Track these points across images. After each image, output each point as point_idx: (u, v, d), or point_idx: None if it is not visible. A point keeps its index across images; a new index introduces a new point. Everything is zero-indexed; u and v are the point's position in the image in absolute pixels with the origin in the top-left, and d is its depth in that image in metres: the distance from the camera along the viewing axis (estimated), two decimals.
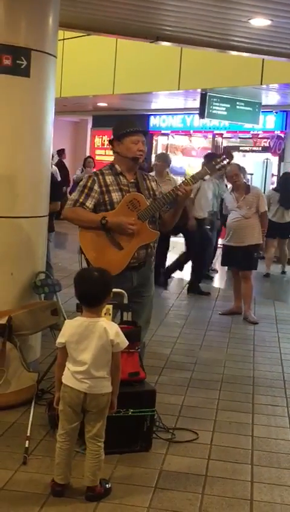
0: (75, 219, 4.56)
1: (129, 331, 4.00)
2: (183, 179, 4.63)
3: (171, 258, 10.08)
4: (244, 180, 8.33)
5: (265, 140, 14.77)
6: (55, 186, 6.13)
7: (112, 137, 4.66)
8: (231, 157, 4.82)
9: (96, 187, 4.50)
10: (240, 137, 15.55)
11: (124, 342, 3.50)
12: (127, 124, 4.60)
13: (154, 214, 4.54)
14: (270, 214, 10.51)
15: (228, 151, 4.80)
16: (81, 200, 4.49)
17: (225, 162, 4.70)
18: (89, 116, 19.27)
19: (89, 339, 3.44)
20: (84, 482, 3.52)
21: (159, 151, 17.28)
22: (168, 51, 11.00)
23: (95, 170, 4.69)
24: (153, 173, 7.59)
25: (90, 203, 4.48)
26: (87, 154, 19.56)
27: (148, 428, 4.12)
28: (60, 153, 17.94)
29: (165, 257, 9.93)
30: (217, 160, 4.70)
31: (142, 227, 4.48)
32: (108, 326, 3.47)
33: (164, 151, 15.73)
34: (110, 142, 4.67)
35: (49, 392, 4.66)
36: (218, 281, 11.00)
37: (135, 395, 4.09)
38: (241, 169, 8.30)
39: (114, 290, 3.80)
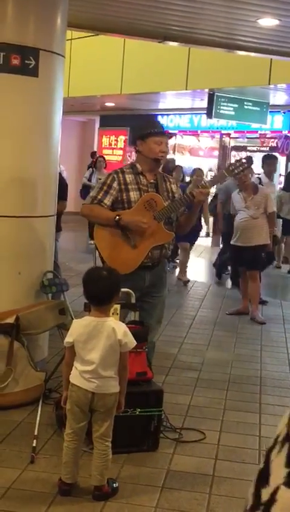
0: (91, 216, 4.60)
1: (137, 331, 4.00)
2: (202, 182, 4.64)
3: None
4: (253, 181, 8.33)
5: (273, 140, 14.74)
6: (62, 185, 6.14)
7: (137, 136, 4.66)
8: (250, 163, 4.81)
9: (115, 185, 4.50)
10: (247, 137, 15.53)
11: (132, 342, 3.50)
12: (152, 124, 4.63)
13: (170, 215, 4.55)
14: (283, 213, 10.47)
15: (249, 157, 4.82)
16: (99, 197, 4.50)
17: (243, 166, 4.70)
18: (97, 116, 19.27)
19: (97, 339, 3.44)
20: (91, 481, 3.53)
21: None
22: (176, 50, 11.00)
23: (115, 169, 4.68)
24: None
25: (108, 201, 4.49)
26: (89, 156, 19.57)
27: (156, 428, 4.12)
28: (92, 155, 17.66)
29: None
30: (236, 165, 4.70)
31: (158, 227, 4.49)
32: (116, 326, 3.47)
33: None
34: (133, 141, 4.67)
35: (57, 391, 4.67)
36: (225, 281, 10.99)
37: (142, 394, 4.09)
38: (248, 169, 8.29)
39: (122, 289, 3.81)
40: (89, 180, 14.12)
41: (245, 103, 12.85)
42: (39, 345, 5.25)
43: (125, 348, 3.48)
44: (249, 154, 15.56)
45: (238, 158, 4.79)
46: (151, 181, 4.58)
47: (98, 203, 4.50)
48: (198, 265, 12.42)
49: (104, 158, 15.03)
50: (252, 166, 10.79)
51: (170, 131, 16.75)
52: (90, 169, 14.90)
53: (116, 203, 4.51)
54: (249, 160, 4.84)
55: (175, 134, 16.98)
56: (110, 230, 4.49)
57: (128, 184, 4.52)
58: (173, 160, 13.61)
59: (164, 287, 4.78)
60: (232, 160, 15.03)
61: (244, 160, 4.77)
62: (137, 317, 4.39)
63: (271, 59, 9.97)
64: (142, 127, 4.63)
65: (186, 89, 12.29)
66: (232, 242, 8.31)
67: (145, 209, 4.47)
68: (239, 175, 5.11)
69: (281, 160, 14.48)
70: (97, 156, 15.56)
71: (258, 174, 13.56)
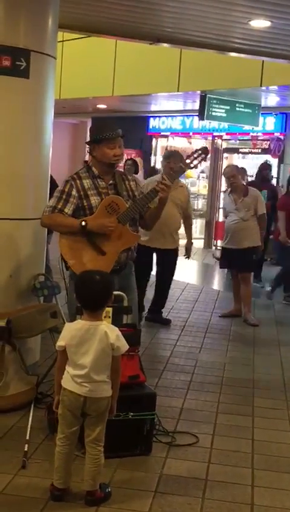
0: (53, 225, 4.54)
1: (129, 334, 3.97)
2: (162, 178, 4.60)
3: None
4: (243, 182, 8.32)
5: (265, 142, 14.75)
6: (54, 187, 6.10)
7: (88, 141, 4.55)
8: (206, 152, 4.79)
9: (74, 192, 4.42)
10: (239, 139, 15.53)
11: (124, 346, 3.47)
12: (104, 128, 4.46)
13: (134, 217, 4.50)
14: None
15: (204, 147, 4.82)
16: (59, 207, 4.40)
17: (199, 158, 4.67)
18: (89, 118, 19.24)
19: (90, 343, 3.41)
20: (83, 486, 3.50)
21: (158, 153, 17.28)
22: (168, 52, 10.99)
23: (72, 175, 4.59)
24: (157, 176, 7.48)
25: (68, 209, 4.40)
26: (87, 155, 19.52)
27: (148, 431, 4.10)
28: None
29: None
30: (192, 157, 4.67)
31: (123, 230, 4.43)
32: (109, 330, 3.44)
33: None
34: (87, 143, 4.59)
35: (49, 395, 4.64)
36: (217, 283, 10.98)
37: (135, 398, 4.06)
38: (239, 171, 8.29)
39: (115, 292, 3.78)
40: None
41: (237, 105, 12.86)
42: (31, 349, 5.22)
43: (118, 352, 3.45)
44: (241, 155, 15.62)
45: (194, 150, 4.76)
46: (110, 182, 4.51)
47: (59, 213, 4.40)
48: (190, 268, 12.40)
49: (134, 161, 12.66)
50: (246, 168, 10.82)
51: (162, 132, 16.77)
52: None
53: (77, 211, 4.42)
54: (205, 151, 4.78)
55: (167, 136, 16.98)
56: (74, 239, 4.40)
57: (87, 190, 4.43)
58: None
59: (133, 289, 4.71)
60: (225, 163, 15.06)
61: (199, 152, 4.69)
62: (129, 320, 4.36)
63: (263, 61, 9.98)
64: (95, 131, 4.51)
65: (178, 91, 12.29)
66: (223, 244, 8.31)
67: (107, 213, 4.40)
68: (196, 167, 5.12)
69: (273, 162, 14.50)
70: (126, 159, 13.19)
71: (251, 176, 13.60)
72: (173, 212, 7.07)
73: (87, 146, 4.60)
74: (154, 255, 7.52)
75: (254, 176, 12.14)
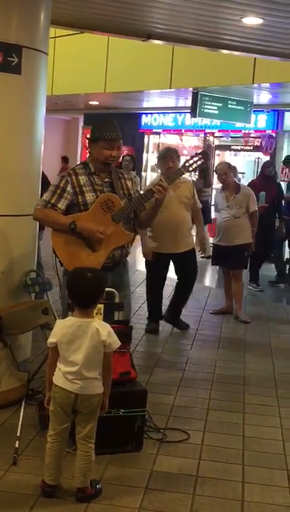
0: (45, 221, 4.56)
1: (120, 331, 3.97)
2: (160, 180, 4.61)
3: None
4: (235, 179, 8.32)
5: (257, 139, 14.76)
6: (45, 183, 6.09)
7: (89, 137, 4.58)
8: (206, 157, 4.82)
9: (69, 188, 4.43)
10: (231, 137, 15.54)
11: (116, 343, 3.47)
12: (105, 128, 4.46)
13: (129, 216, 4.50)
14: None
15: (204, 152, 4.87)
16: (52, 202, 4.41)
17: (199, 162, 4.69)
18: (81, 115, 19.23)
19: (81, 340, 3.41)
20: (74, 482, 3.50)
21: (150, 150, 17.27)
22: (160, 49, 10.97)
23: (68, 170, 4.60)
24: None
25: (62, 205, 4.41)
26: (79, 152, 19.49)
27: (139, 428, 4.10)
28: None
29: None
30: (191, 161, 4.70)
31: (117, 228, 4.43)
32: (100, 327, 3.44)
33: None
34: (87, 138, 4.61)
35: (40, 392, 4.63)
36: (209, 280, 10.99)
37: (126, 395, 4.07)
38: (231, 168, 8.30)
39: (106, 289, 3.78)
40: None
41: (229, 102, 12.87)
42: (22, 345, 5.20)
43: (110, 349, 3.46)
44: (233, 153, 15.63)
45: (194, 153, 4.78)
46: (106, 180, 4.52)
47: (52, 208, 4.41)
48: None
49: (132, 157, 12.38)
50: (237, 165, 10.79)
51: (155, 129, 16.76)
52: None
53: (72, 206, 4.43)
54: (204, 155, 4.82)
55: (159, 133, 16.97)
56: (66, 235, 4.41)
57: (82, 186, 4.44)
58: None
59: (127, 286, 4.73)
60: (217, 160, 15.07)
61: (199, 156, 4.73)
62: (121, 317, 4.36)
63: (255, 58, 9.98)
64: (97, 129, 4.51)
65: (170, 88, 12.29)
66: (214, 241, 8.31)
67: (102, 211, 4.40)
68: (195, 171, 5.16)
69: (265, 159, 14.51)
70: (123, 154, 12.69)
71: (243, 173, 13.62)
72: (181, 212, 6.84)
73: (87, 141, 4.60)
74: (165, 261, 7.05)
75: (257, 175, 12.15)
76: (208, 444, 4.34)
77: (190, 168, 4.73)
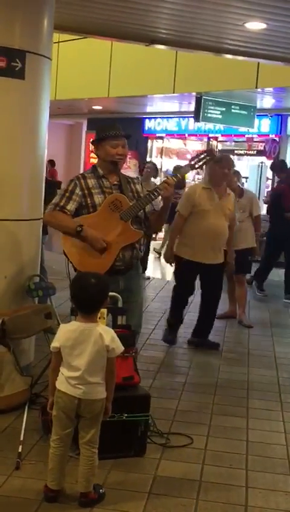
0: (53, 223, 4.58)
1: (124, 335, 3.97)
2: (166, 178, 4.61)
3: None
4: (238, 184, 8.32)
5: (260, 144, 14.78)
6: (49, 188, 6.10)
7: (93, 140, 4.64)
8: (212, 155, 4.83)
9: (77, 190, 4.47)
10: (235, 141, 15.56)
11: (119, 348, 3.47)
12: (107, 128, 4.55)
13: (137, 214, 4.51)
14: None
15: (211, 149, 4.83)
16: (61, 204, 4.46)
17: (204, 159, 4.70)
18: (84, 119, 19.27)
19: (84, 344, 3.40)
20: (77, 487, 3.49)
21: (154, 155, 17.28)
22: (164, 54, 11.00)
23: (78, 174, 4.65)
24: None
25: (71, 206, 4.45)
26: (82, 157, 19.52)
27: (143, 433, 4.09)
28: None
29: None
30: (197, 159, 4.71)
31: (125, 227, 4.46)
32: (104, 332, 3.44)
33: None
34: (92, 143, 4.65)
35: (43, 397, 4.63)
36: None
37: (129, 399, 4.06)
38: (234, 173, 8.29)
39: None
40: None
41: (232, 107, 12.89)
42: (25, 350, 5.21)
43: (113, 354, 3.45)
44: (236, 157, 15.63)
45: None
46: (115, 183, 4.55)
47: (61, 210, 4.46)
48: None
49: (155, 165, 11.02)
50: (240, 170, 10.74)
51: (158, 134, 16.77)
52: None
53: (81, 208, 4.48)
54: (211, 153, 4.84)
55: (162, 138, 16.99)
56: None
57: (90, 188, 4.48)
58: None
59: (139, 291, 4.75)
60: None
61: (205, 154, 4.74)
62: (124, 321, 4.35)
63: (258, 63, 10.00)
64: (98, 131, 4.59)
65: (173, 93, 12.32)
66: None
67: (110, 210, 4.44)
68: (201, 168, 5.11)
69: (269, 164, 14.53)
70: (145, 161, 12.06)
71: (246, 177, 13.61)
72: (223, 224, 6.49)
73: (92, 147, 4.65)
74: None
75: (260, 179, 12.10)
76: (211, 449, 4.33)
77: (196, 166, 4.73)
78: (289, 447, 4.45)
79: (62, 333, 3.46)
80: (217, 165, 6.41)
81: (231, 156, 13.99)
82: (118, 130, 4.54)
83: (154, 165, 10.97)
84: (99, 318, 3.78)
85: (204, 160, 4.72)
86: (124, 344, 3.55)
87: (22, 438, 4.10)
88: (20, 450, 3.96)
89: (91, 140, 4.65)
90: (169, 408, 4.95)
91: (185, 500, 3.62)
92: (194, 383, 5.63)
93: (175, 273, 6.91)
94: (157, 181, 11.06)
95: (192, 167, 4.76)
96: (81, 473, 3.47)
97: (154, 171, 10.59)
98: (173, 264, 6.72)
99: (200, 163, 4.73)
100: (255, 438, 4.55)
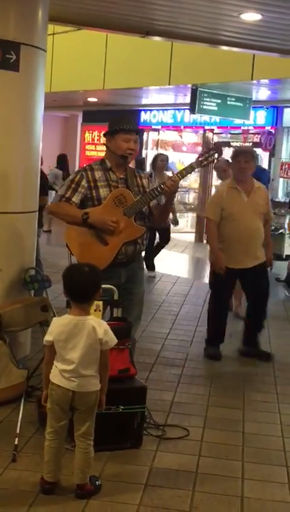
0: (59, 213, 4.57)
1: (119, 328, 3.98)
2: (171, 175, 4.59)
3: None
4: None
5: (256, 136, 14.75)
6: (43, 180, 6.10)
7: (105, 132, 4.62)
8: (220, 152, 4.75)
9: (84, 182, 4.47)
10: (230, 133, 15.53)
11: (112, 340, 3.47)
12: (121, 121, 4.54)
13: (141, 210, 4.51)
14: None
15: (218, 146, 4.64)
16: (67, 195, 4.47)
17: (213, 157, 4.65)
18: (79, 111, 19.20)
19: (77, 338, 3.40)
20: (74, 479, 3.50)
21: (149, 147, 17.24)
22: (159, 46, 10.97)
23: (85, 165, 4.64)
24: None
25: (76, 198, 4.46)
26: (78, 149, 19.47)
27: (139, 425, 4.10)
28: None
29: None
30: (205, 156, 4.67)
31: (128, 223, 4.45)
32: (96, 325, 3.43)
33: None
34: (104, 135, 4.63)
35: (39, 389, 4.63)
36: (208, 277, 10.97)
37: (125, 391, 4.06)
38: (229, 165, 8.25)
39: (104, 286, 3.77)
40: None
41: (228, 98, 12.85)
42: (21, 342, 5.21)
43: (106, 347, 3.45)
44: (232, 149, 15.59)
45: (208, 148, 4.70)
46: (121, 177, 4.54)
47: (67, 201, 4.46)
48: (182, 261, 12.42)
49: (168, 158, 10.67)
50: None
51: (153, 126, 16.74)
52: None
53: (86, 201, 4.48)
54: (219, 149, 4.73)
55: (158, 130, 16.95)
56: (80, 229, 4.46)
57: (97, 181, 4.48)
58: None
59: (141, 283, 4.75)
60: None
61: (213, 151, 4.68)
62: (120, 314, 4.36)
63: (254, 54, 9.96)
64: (113, 122, 4.57)
65: (169, 84, 12.27)
66: None
67: (114, 205, 4.44)
68: (208, 166, 5.03)
69: (264, 156, 14.52)
70: (159, 153, 11.68)
71: None
72: (256, 223, 6.03)
73: (104, 138, 4.63)
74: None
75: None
76: (207, 441, 4.34)
77: (203, 163, 4.68)
78: (285, 438, 4.46)
79: (55, 327, 3.46)
80: (235, 160, 6.13)
81: (227, 148, 14.04)
82: (132, 124, 4.55)
83: (167, 157, 10.77)
84: (96, 311, 3.79)
85: (212, 158, 4.64)
86: (119, 336, 3.55)
87: (18, 431, 4.10)
88: (16, 442, 3.96)
89: (103, 132, 4.62)
90: (165, 400, 4.96)
91: (181, 492, 3.63)
92: (190, 375, 5.64)
93: (211, 283, 6.44)
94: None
95: (199, 165, 4.68)
96: (77, 465, 3.47)
97: (167, 164, 10.42)
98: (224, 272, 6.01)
99: (207, 161, 4.64)
100: (252, 430, 4.56)
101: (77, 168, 13.87)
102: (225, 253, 5.96)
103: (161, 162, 10.24)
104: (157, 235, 10.09)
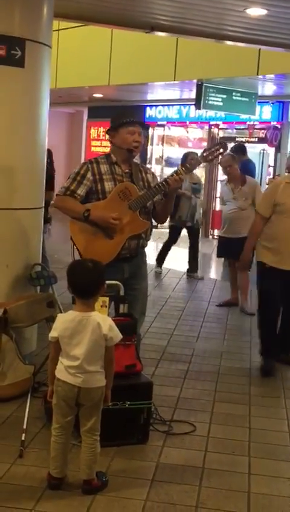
0: (63, 208, 4.56)
1: (125, 324, 3.98)
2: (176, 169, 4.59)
3: None
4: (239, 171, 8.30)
5: (262, 131, 14.72)
6: (49, 175, 6.09)
7: (109, 127, 4.62)
8: (225, 147, 4.76)
9: (89, 175, 4.47)
10: (236, 128, 15.50)
11: (117, 336, 3.47)
12: (124, 115, 4.57)
13: (146, 204, 4.51)
14: None
15: (223, 142, 4.61)
16: (72, 188, 4.47)
17: (217, 152, 4.66)
18: (85, 107, 19.19)
19: (82, 334, 3.40)
20: (80, 475, 3.51)
21: (155, 142, 17.23)
22: (164, 41, 10.94)
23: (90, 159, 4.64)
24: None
25: (81, 191, 4.46)
26: (83, 145, 19.48)
27: (145, 420, 4.10)
28: None
29: None
30: (210, 150, 4.67)
31: (133, 216, 4.46)
32: (101, 321, 3.43)
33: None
34: (108, 132, 4.63)
35: (45, 385, 4.63)
36: (214, 272, 10.98)
37: (131, 387, 4.06)
38: (235, 160, 8.26)
39: (110, 282, 3.77)
40: None
41: (234, 94, 12.82)
42: (27, 338, 5.22)
43: (111, 343, 3.45)
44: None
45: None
46: (126, 171, 4.55)
47: (71, 195, 4.46)
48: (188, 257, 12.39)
49: (197, 156, 10.38)
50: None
51: (159, 122, 16.72)
52: None
53: (91, 194, 4.48)
54: (224, 146, 4.75)
55: (164, 126, 16.93)
56: (84, 224, 4.45)
57: (102, 174, 4.48)
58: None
59: (144, 278, 4.75)
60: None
61: (217, 147, 4.68)
62: (126, 310, 4.36)
63: (259, 49, 9.93)
64: (115, 118, 4.58)
65: (174, 80, 12.25)
66: (220, 233, 8.29)
67: (119, 199, 4.44)
68: (212, 161, 5.01)
69: (270, 151, 14.49)
70: (187, 151, 11.03)
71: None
72: None
73: (108, 136, 4.64)
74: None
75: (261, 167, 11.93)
76: (214, 436, 4.34)
77: (208, 158, 4.69)
78: None
79: (60, 323, 3.46)
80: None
81: (232, 144, 13.98)
82: (133, 116, 4.56)
83: (197, 155, 10.59)
84: (102, 307, 3.79)
85: (217, 153, 4.65)
86: (125, 332, 3.55)
87: (25, 426, 4.11)
88: (23, 438, 3.97)
89: (107, 129, 4.63)
90: (171, 395, 4.96)
91: (188, 487, 3.63)
92: (197, 370, 5.64)
93: (259, 287, 5.86)
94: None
95: (204, 159, 4.71)
96: (83, 461, 3.48)
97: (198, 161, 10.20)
98: (250, 270, 5.80)
99: (212, 156, 4.65)
100: (258, 425, 4.56)
101: None
102: (275, 254, 5.55)
103: (191, 160, 10.01)
104: (187, 234, 10.10)
